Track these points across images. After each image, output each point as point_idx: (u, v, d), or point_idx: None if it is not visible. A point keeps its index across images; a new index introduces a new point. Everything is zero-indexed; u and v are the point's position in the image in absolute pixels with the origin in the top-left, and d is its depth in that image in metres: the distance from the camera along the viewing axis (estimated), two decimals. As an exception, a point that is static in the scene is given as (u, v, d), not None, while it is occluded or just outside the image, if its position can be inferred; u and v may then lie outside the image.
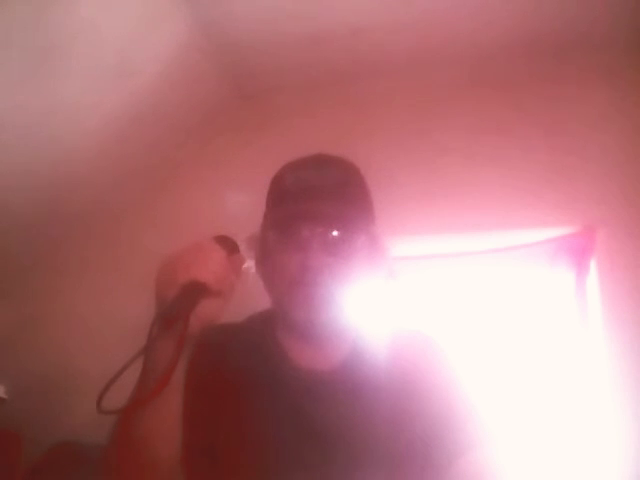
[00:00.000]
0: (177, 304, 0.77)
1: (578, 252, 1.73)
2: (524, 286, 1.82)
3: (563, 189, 1.75)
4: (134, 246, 2.02)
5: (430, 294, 1.87)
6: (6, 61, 1.38)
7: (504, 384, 1.70)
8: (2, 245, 1.79)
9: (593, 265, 1.71)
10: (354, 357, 0.94)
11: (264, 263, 0.96)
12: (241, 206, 1.85)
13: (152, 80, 1.75)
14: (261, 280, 0.98)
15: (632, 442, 1.54)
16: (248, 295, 0.97)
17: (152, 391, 0.80)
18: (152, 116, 1.85)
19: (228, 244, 0.85)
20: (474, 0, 1.66)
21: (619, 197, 1.72)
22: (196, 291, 0.77)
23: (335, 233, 0.90)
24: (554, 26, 1.75)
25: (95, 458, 1.01)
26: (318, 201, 0.90)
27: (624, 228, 1.69)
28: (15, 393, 1.86)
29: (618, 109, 1.78)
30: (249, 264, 0.99)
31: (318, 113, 2.00)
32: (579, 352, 1.67)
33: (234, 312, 1.05)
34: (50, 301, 2.00)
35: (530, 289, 1.81)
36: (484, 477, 0.86)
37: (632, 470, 1.50)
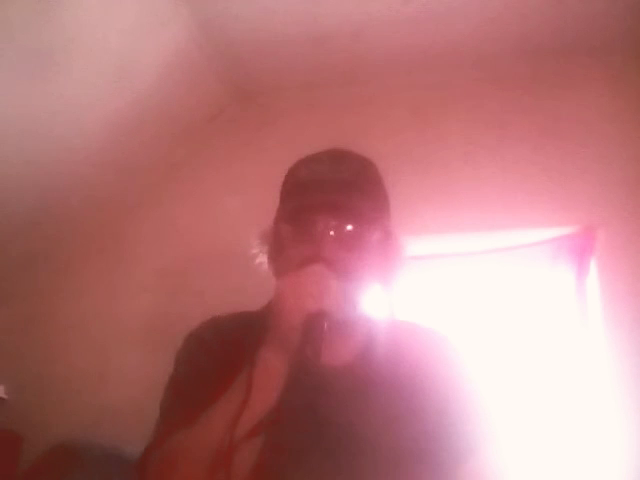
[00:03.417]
0: (309, 336, 0.80)
1: (578, 252, 1.73)
2: (524, 286, 1.82)
3: (563, 189, 1.76)
4: (134, 246, 2.02)
5: (431, 294, 1.87)
6: (7, 62, 1.38)
7: (505, 384, 1.69)
8: (2, 245, 1.79)
9: (593, 265, 1.71)
10: (367, 353, 0.94)
11: (277, 257, 0.96)
12: (240, 205, 1.86)
13: (152, 80, 1.75)
14: (273, 274, 0.97)
15: (633, 442, 1.54)
16: (260, 291, 0.97)
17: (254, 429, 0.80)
18: (152, 116, 1.85)
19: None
20: (475, 0, 1.66)
21: (619, 197, 1.72)
22: (322, 321, 0.81)
23: (350, 227, 0.90)
24: (554, 26, 1.75)
25: (95, 458, 1.00)
26: (333, 194, 0.89)
27: (624, 228, 1.69)
28: (15, 393, 1.86)
29: (618, 109, 1.78)
30: (262, 259, 0.98)
31: (318, 113, 2.00)
32: (579, 352, 1.67)
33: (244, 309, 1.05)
34: (50, 301, 1.99)
35: (530, 289, 1.81)
36: (491, 476, 0.86)
37: (633, 470, 1.50)
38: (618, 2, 1.66)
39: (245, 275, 1.05)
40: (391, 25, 1.74)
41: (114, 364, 1.85)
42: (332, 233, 0.89)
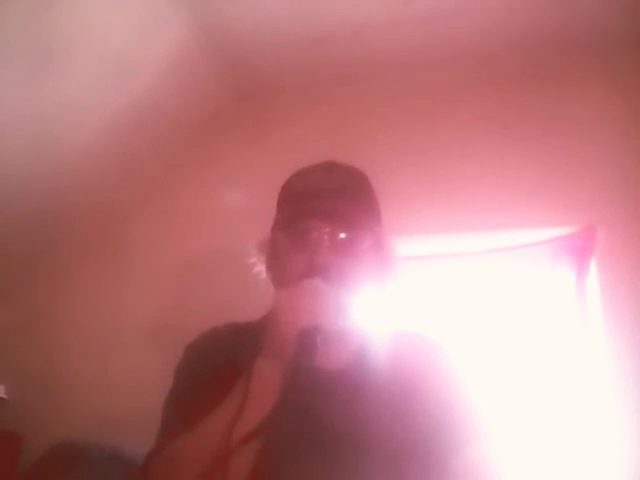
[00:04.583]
0: (303, 349, 0.82)
1: (578, 252, 1.73)
2: (524, 286, 1.82)
3: (563, 189, 1.75)
4: (134, 246, 2.02)
5: (430, 294, 1.87)
6: (7, 62, 1.38)
7: (504, 383, 1.70)
8: (2, 245, 1.79)
9: (593, 265, 1.71)
10: (360, 357, 0.96)
11: (274, 265, 0.99)
12: (240, 205, 1.86)
13: (152, 80, 1.75)
14: (271, 282, 1.01)
15: (632, 442, 1.54)
16: (260, 293, 0.98)
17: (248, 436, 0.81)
18: (152, 116, 1.85)
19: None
20: (475, 1, 1.66)
21: (619, 197, 1.72)
22: (316, 335, 0.83)
23: (342, 235, 0.93)
24: (555, 26, 1.75)
25: (95, 458, 1.01)
26: (325, 201, 0.93)
27: (624, 228, 1.69)
28: (15, 393, 1.86)
29: (618, 109, 1.78)
30: (260, 268, 1.01)
31: (318, 113, 2.00)
32: (579, 352, 1.67)
33: (243, 316, 1.06)
34: (50, 301, 2.00)
35: (530, 289, 1.81)
36: (485, 473, 0.88)
37: (632, 470, 1.50)
38: (618, 1, 1.66)
39: (246, 277, 1.05)
40: (391, 25, 1.74)
41: (114, 363, 1.85)
42: (326, 240, 0.92)
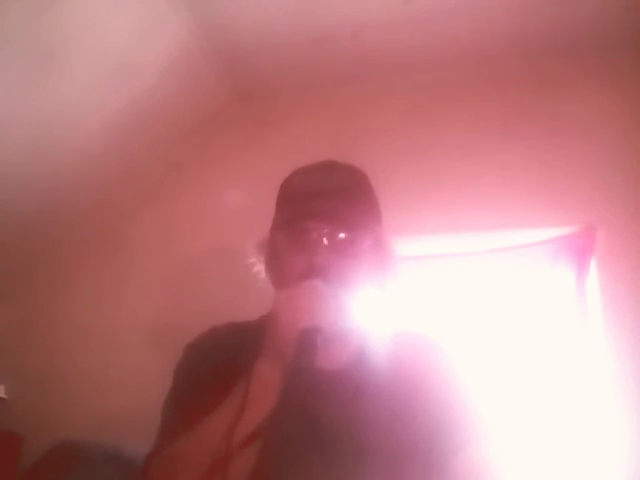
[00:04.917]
0: (303, 350, 0.82)
1: (578, 252, 1.73)
2: (524, 286, 1.82)
3: (563, 189, 1.75)
4: (134, 246, 2.02)
5: (430, 294, 1.87)
6: (7, 62, 1.38)
7: (504, 384, 1.69)
8: (2, 245, 1.79)
9: (593, 265, 1.71)
10: (360, 357, 0.96)
11: (273, 265, 0.99)
12: (240, 205, 1.86)
13: (152, 80, 1.75)
14: (270, 282, 1.01)
15: (632, 442, 1.54)
16: (260, 293, 0.98)
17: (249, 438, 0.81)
18: (152, 116, 1.85)
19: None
20: (475, 0, 1.66)
21: (619, 197, 1.72)
22: (316, 336, 0.83)
23: (342, 235, 0.92)
24: (555, 26, 1.75)
25: (95, 458, 1.01)
26: (325, 201, 0.93)
27: (624, 228, 1.69)
28: (15, 393, 1.86)
29: (618, 109, 1.78)
30: (259, 268, 1.01)
31: (318, 113, 2.00)
32: (579, 352, 1.67)
33: (243, 316, 1.06)
34: (50, 301, 2.00)
35: (530, 289, 1.81)
36: (485, 473, 0.88)
37: (632, 470, 1.50)
38: (618, 1, 1.66)
39: (245, 277, 1.05)
40: (391, 25, 1.74)
41: (114, 363, 1.85)
42: (325, 241, 0.91)
